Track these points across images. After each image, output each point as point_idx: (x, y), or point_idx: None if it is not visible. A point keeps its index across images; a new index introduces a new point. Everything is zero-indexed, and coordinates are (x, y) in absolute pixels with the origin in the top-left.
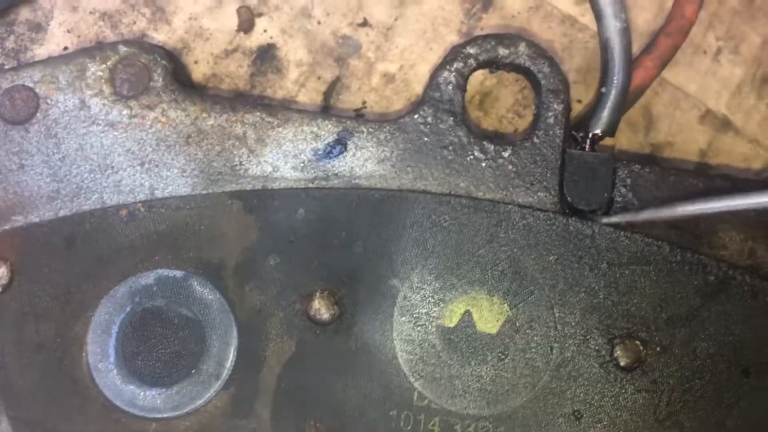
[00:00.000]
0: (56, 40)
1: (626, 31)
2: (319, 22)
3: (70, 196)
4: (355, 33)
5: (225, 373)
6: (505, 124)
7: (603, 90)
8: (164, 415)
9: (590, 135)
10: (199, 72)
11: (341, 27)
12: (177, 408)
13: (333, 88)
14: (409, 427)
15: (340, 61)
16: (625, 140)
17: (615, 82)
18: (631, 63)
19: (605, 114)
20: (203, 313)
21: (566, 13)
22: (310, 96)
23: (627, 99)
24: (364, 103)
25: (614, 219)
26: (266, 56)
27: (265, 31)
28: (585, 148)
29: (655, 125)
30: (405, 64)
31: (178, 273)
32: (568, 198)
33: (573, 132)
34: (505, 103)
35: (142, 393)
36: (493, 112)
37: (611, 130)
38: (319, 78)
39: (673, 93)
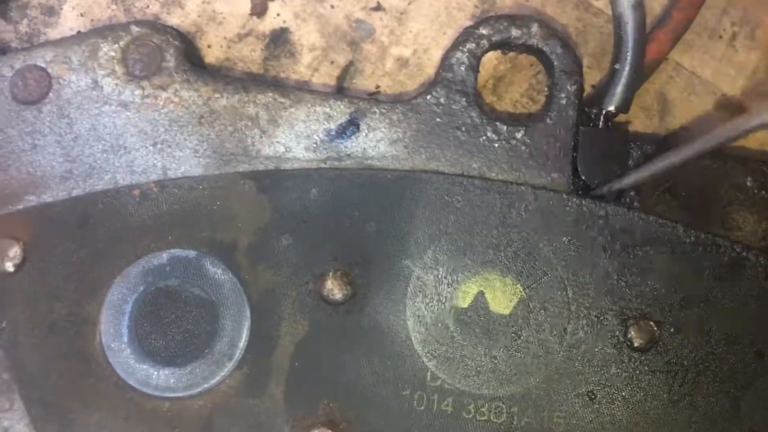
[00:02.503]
0: (69, 24)
1: (640, 7)
2: (332, 6)
3: (83, 176)
4: (368, 17)
5: (238, 353)
6: (519, 109)
7: (616, 66)
8: (178, 395)
9: (604, 112)
10: (212, 56)
11: (354, 11)
12: (190, 387)
13: (346, 73)
14: (422, 407)
15: (354, 46)
16: (639, 125)
17: (628, 58)
18: (644, 39)
19: (619, 90)
20: (216, 293)
21: None
22: (323, 80)
23: (641, 75)
24: (377, 87)
25: (604, 190)
26: (279, 40)
27: (278, 14)
28: (599, 125)
29: (670, 111)
30: (419, 48)
31: (191, 253)
32: (582, 175)
33: (586, 108)
34: (518, 87)
35: (155, 372)
36: (506, 97)
37: (625, 106)
38: (332, 62)
39: (689, 78)
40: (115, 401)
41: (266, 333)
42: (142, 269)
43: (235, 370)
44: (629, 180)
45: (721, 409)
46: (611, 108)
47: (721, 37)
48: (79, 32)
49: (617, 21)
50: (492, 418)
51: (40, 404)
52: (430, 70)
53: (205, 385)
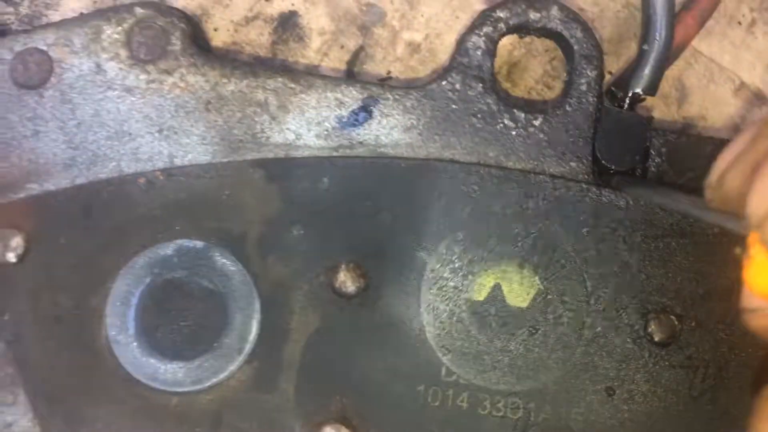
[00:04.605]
0: (72, 5)
1: None
2: None
3: (86, 163)
4: (379, 0)
5: (248, 347)
6: (534, 95)
7: (645, 47)
8: (186, 389)
9: (631, 93)
10: (218, 40)
11: None
12: (199, 382)
13: (357, 58)
14: (437, 403)
15: (364, 30)
16: (657, 113)
17: (658, 38)
18: (674, 18)
19: (647, 72)
20: (225, 285)
21: None
22: (333, 65)
23: (669, 57)
24: (388, 73)
25: (614, 184)
26: (288, 24)
27: None
28: (623, 107)
29: (688, 98)
30: (431, 33)
31: (199, 243)
32: (599, 156)
33: (612, 88)
34: (533, 74)
35: (162, 366)
36: (521, 84)
37: (653, 88)
38: (342, 47)
39: (707, 65)
40: (121, 396)
41: (277, 326)
42: (148, 260)
43: (245, 364)
44: (638, 190)
45: (744, 406)
46: (638, 90)
47: (740, 23)
48: (81, 14)
49: (646, 0)
50: (508, 414)
51: (44, 399)
52: (442, 55)
53: (214, 380)
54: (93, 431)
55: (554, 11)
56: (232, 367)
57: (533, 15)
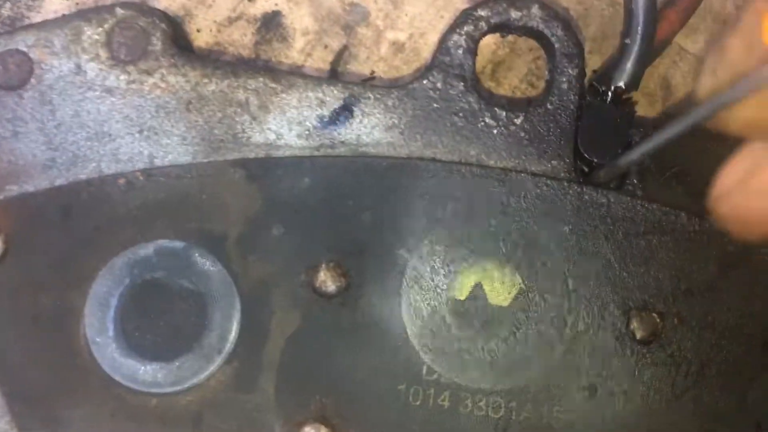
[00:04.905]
0: (54, 8)
1: None
2: None
3: (66, 164)
4: (362, 0)
5: (228, 347)
6: (518, 95)
7: (627, 41)
8: (165, 390)
9: (613, 88)
10: (201, 40)
11: None
12: (178, 383)
13: (340, 58)
14: (419, 402)
15: (348, 30)
16: (642, 111)
17: (639, 31)
18: (656, 11)
19: (629, 66)
20: (205, 285)
21: None
22: (316, 65)
23: (651, 51)
24: (372, 72)
25: (602, 176)
26: (271, 24)
27: None
28: (606, 102)
29: (673, 96)
30: (415, 32)
31: (179, 244)
32: (582, 150)
33: (594, 83)
34: (518, 73)
35: (142, 367)
36: (505, 83)
37: (635, 83)
38: (325, 47)
39: (692, 63)
40: (100, 397)
41: (257, 326)
42: (127, 261)
43: (225, 364)
44: (631, 157)
45: (727, 403)
46: (621, 84)
47: (725, 21)
48: (63, 15)
49: None
50: (490, 413)
51: (22, 400)
52: (426, 54)
53: (194, 380)
54: None
55: (535, 10)
56: (212, 368)
57: (514, 14)
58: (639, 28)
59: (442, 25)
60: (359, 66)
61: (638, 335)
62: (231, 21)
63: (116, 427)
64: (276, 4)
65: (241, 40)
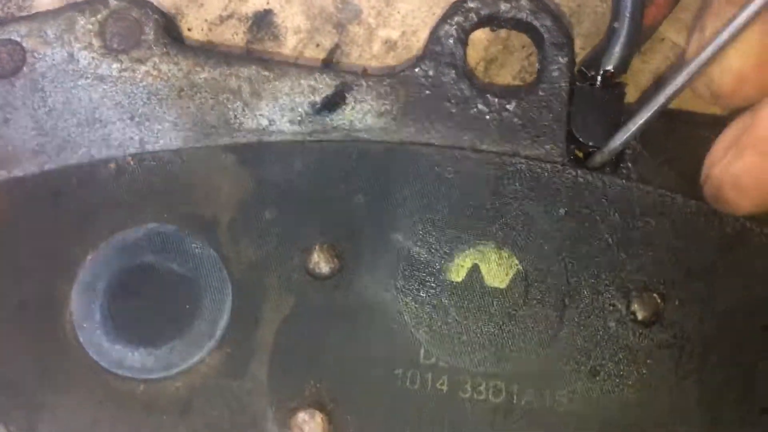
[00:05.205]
0: (46, 5)
1: None
2: None
3: (56, 150)
4: None
5: (219, 332)
6: None
7: (615, 25)
8: (153, 376)
9: (602, 72)
10: (192, 39)
11: None
12: (167, 368)
13: (332, 56)
14: (416, 386)
15: (340, 28)
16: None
17: (627, 15)
18: None
19: (617, 49)
20: (196, 270)
21: None
22: (308, 64)
23: (639, 34)
24: (364, 70)
25: (597, 160)
26: (263, 22)
27: None
28: (595, 86)
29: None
30: (407, 30)
31: (170, 228)
32: (576, 134)
33: (582, 68)
34: (511, 70)
35: (130, 353)
36: (498, 80)
37: (624, 66)
38: (317, 45)
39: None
40: (87, 384)
41: (249, 311)
42: (117, 245)
43: (216, 350)
44: (625, 136)
45: (730, 385)
46: (609, 67)
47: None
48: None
49: None
50: (490, 397)
51: (6, 387)
52: (419, 52)
53: (184, 366)
54: (54, 419)
55: (524, 2)
56: (203, 353)
57: (504, 5)
58: (627, 11)
59: (434, 23)
60: (351, 64)
61: (639, 316)
62: (222, 20)
63: (103, 414)
64: (268, 3)
65: (233, 38)
